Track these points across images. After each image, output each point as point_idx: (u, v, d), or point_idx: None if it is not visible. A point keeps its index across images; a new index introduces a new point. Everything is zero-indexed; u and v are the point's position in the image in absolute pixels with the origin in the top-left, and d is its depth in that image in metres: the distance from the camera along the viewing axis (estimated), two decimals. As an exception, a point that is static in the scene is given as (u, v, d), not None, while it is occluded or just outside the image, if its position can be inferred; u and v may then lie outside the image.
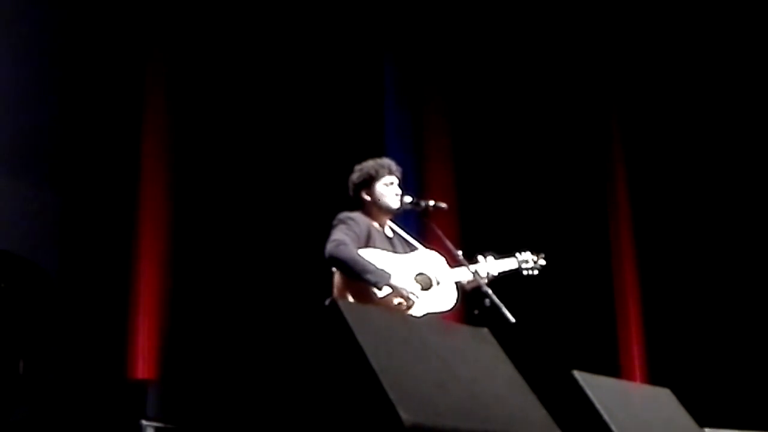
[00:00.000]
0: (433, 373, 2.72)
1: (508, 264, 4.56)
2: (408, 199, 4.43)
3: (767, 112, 6.97)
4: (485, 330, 3.24)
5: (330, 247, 4.06)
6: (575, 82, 7.56)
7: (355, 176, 4.41)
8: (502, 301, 4.01)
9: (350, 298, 4.02)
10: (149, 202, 6.86)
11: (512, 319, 3.90)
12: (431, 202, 4.44)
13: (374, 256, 4.09)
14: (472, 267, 4.31)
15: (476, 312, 4.11)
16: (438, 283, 4.22)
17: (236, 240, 6.95)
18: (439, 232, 4.32)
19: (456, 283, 4.28)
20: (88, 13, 6.89)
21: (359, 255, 4.05)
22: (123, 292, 6.64)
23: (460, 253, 4.30)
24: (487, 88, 7.59)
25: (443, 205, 4.47)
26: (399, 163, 4.57)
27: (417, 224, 4.86)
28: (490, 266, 4.44)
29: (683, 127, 7.22)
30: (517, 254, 4.61)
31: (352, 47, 7.50)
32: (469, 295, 4.38)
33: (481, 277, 4.27)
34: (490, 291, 4.08)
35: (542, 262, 4.65)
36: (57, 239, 6.52)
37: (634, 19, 7.50)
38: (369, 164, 4.41)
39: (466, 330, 3.25)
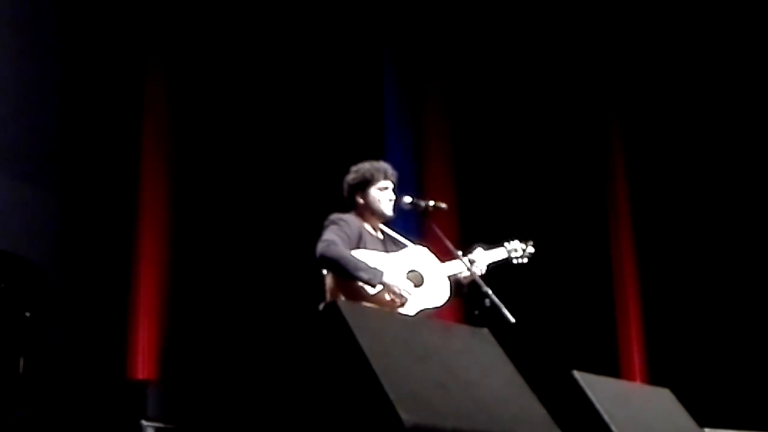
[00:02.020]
0: (433, 373, 2.72)
1: (498, 254, 4.53)
2: (408, 199, 4.42)
3: (767, 112, 6.98)
4: (485, 330, 3.24)
5: (321, 247, 4.05)
6: (575, 82, 7.56)
7: (350, 177, 4.39)
8: (502, 302, 4.01)
9: (342, 299, 4.00)
10: (149, 203, 6.86)
11: (512, 319, 3.89)
12: (431, 202, 4.43)
13: (365, 256, 4.09)
14: (465, 260, 4.29)
15: (476, 312, 4.10)
16: (429, 279, 4.22)
17: (236, 240, 6.95)
18: (439, 232, 4.32)
19: (448, 277, 4.28)
20: (89, 14, 6.89)
21: (350, 254, 4.04)
22: (123, 292, 6.65)
23: (460, 253, 4.30)
24: (487, 88, 7.59)
25: (443, 205, 4.46)
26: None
27: (417, 224, 4.86)
28: (480, 258, 4.40)
29: (683, 128, 7.23)
30: (506, 243, 4.59)
31: (351, 47, 7.50)
32: (469, 295, 4.37)
33: (473, 269, 4.25)
34: (489, 291, 4.08)
35: (531, 249, 4.62)
36: (57, 239, 6.52)
37: (635, 18, 7.50)
38: (365, 167, 4.38)
39: (466, 330, 3.25)
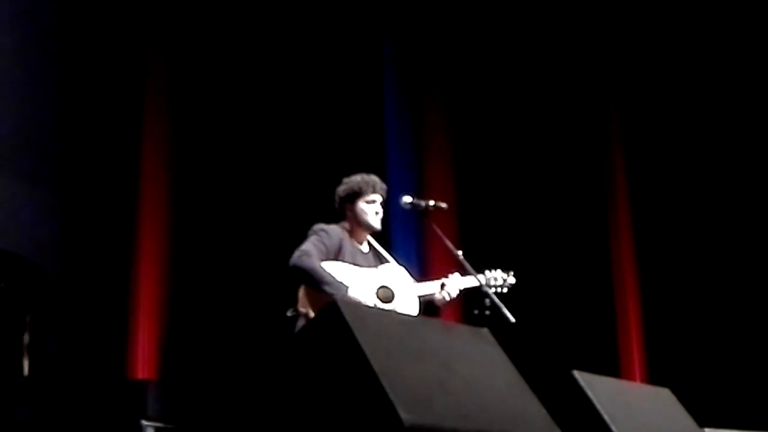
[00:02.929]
0: (432, 373, 2.72)
1: (474, 281, 4.44)
2: (408, 199, 4.43)
3: (767, 110, 6.98)
4: (485, 330, 3.24)
5: (294, 256, 4.12)
6: (574, 82, 7.56)
7: (341, 189, 4.44)
8: (502, 302, 4.01)
9: (311, 310, 4.06)
10: (149, 203, 6.86)
11: (512, 319, 3.90)
12: (431, 202, 4.45)
13: (336, 269, 4.13)
14: (440, 282, 4.33)
15: (476, 312, 4.11)
16: (399, 297, 4.24)
17: (236, 240, 6.95)
18: (439, 232, 4.33)
19: (419, 297, 4.30)
20: (89, 12, 6.89)
21: (320, 266, 4.09)
22: (123, 293, 6.64)
23: (460, 253, 4.30)
24: (487, 89, 7.59)
25: (443, 205, 4.47)
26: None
27: (417, 224, 4.86)
28: (451, 283, 4.37)
29: (683, 127, 7.23)
30: (486, 272, 4.52)
31: (352, 48, 7.50)
32: (469, 295, 4.38)
33: (443, 293, 4.29)
34: (490, 291, 4.08)
35: (512, 280, 4.56)
36: (57, 239, 6.51)
37: (634, 16, 7.50)
38: (355, 179, 4.42)
39: (466, 330, 3.25)
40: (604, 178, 7.46)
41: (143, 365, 6.54)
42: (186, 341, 6.67)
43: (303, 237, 4.26)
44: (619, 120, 7.54)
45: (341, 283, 4.06)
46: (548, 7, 7.65)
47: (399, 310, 4.19)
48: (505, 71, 7.59)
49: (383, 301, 4.17)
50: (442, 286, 4.33)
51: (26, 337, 5.46)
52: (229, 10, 7.37)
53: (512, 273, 4.58)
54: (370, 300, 4.11)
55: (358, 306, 3.67)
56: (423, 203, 4.44)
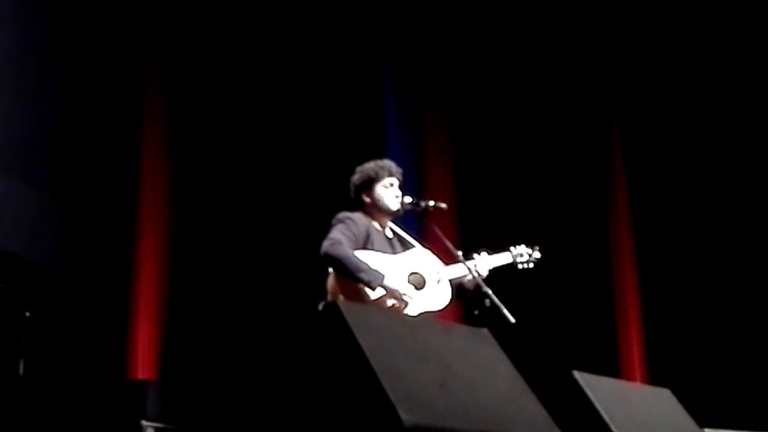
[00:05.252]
0: (433, 373, 2.72)
1: (503, 259, 4.54)
2: (408, 199, 4.43)
3: (766, 112, 6.98)
4: (485, 330, 3.24)
5: (325, 245, 4.06)
6: (575, 82, 7.56)
7: (355, 178, 4.42)
8: (502, 302, 4.01)
9: (343, 300, 4.01)
10: (149, 203, 6.86)
11: (512, 320, 3.90)
12: (431, 202, 4.44)
13: (368, 257, 4.09)
14: (469, 263, 4.30)
15: (476, 312, 4.10)
16: (431, 282, 4.22)
17: (236, 240, 6.95)
18: (439, 232, 4.32)
19: (450, 280, 4.28)
20: (89, 13, 6.89)
21: (354, 254, 4.05)
22: (123, 293, 6.64)
23: (459, 253, 4.30)
24: (486, 88, 7.59)
25: (443, 205, 4.47)
26: (399, 163, 4.57)
27: (417, 224, 4.86)
28: (484, 262, 4.41)
29: (683, 126, 7.23)
30: (512, 248, 4.58)
31: (351, 48, 7.50)
32: (469, 295, 4.38)
33: (478, 274, 4.26)
34: (490, 291, 4.08)
35: (537, 255, 4.61)
36: (57, 240, 6.51)
37: (634, 17, 7.51)
38: (369, 166, 4.41)
39: (466, 330, 3.25)
40: (605, 179, 7.46)
41: (143, 365, 6.54)
42: (186, 341, 6.67)
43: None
44: (620, 122, 7.53)
45: (377, 271, 4.01)
46: (549, 10, 7.64)
47: (431, 296, 4.17)
48: (505, 73, 7.59)
49: (417, 288, 4.16)
50: (473, 267, 4.30)
51: (26, 338, 5.46)
52: (229, 11, 7.37)
53: (537, 248, 4.60)
54: (404, 288, 4.08)
55: (358, 306, 3.66)
56: (423, 203, 4.43)
